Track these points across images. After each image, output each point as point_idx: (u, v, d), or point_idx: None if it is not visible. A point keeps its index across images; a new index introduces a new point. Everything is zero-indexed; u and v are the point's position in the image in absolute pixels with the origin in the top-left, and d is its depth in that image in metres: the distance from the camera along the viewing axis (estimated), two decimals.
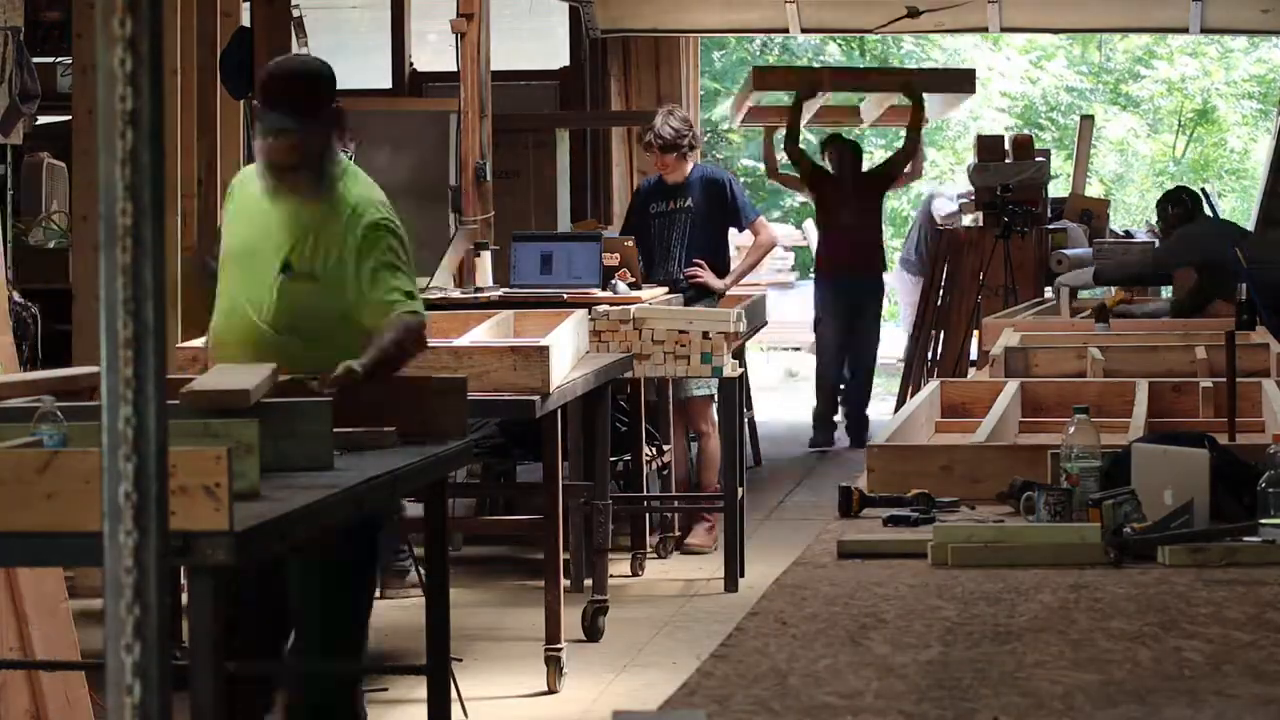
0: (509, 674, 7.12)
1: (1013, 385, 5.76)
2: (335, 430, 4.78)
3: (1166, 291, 13.15)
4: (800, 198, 25.63)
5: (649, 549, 9.38)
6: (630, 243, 9.46)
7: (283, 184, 5.05)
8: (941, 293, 13.52)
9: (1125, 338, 7.74)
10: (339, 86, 5.21)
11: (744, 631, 3.13)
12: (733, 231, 10.42)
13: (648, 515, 9.46)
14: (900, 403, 13.00)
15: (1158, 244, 11.43)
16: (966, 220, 14.64)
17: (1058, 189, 16.11)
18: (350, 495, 4.62)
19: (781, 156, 13.86)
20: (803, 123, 13.27)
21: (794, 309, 20.74)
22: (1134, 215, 23.89)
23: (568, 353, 7.21)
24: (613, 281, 9.03)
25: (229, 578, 3.84)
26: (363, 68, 13.27)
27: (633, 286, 9.10)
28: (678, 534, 9.70)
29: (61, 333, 8.91)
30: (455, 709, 6.04)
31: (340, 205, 5.07)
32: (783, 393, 18.00)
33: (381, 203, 5.15)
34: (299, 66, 5.23)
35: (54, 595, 6.22)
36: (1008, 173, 13.20)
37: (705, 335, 8.37)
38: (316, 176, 5.04)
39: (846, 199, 13.21)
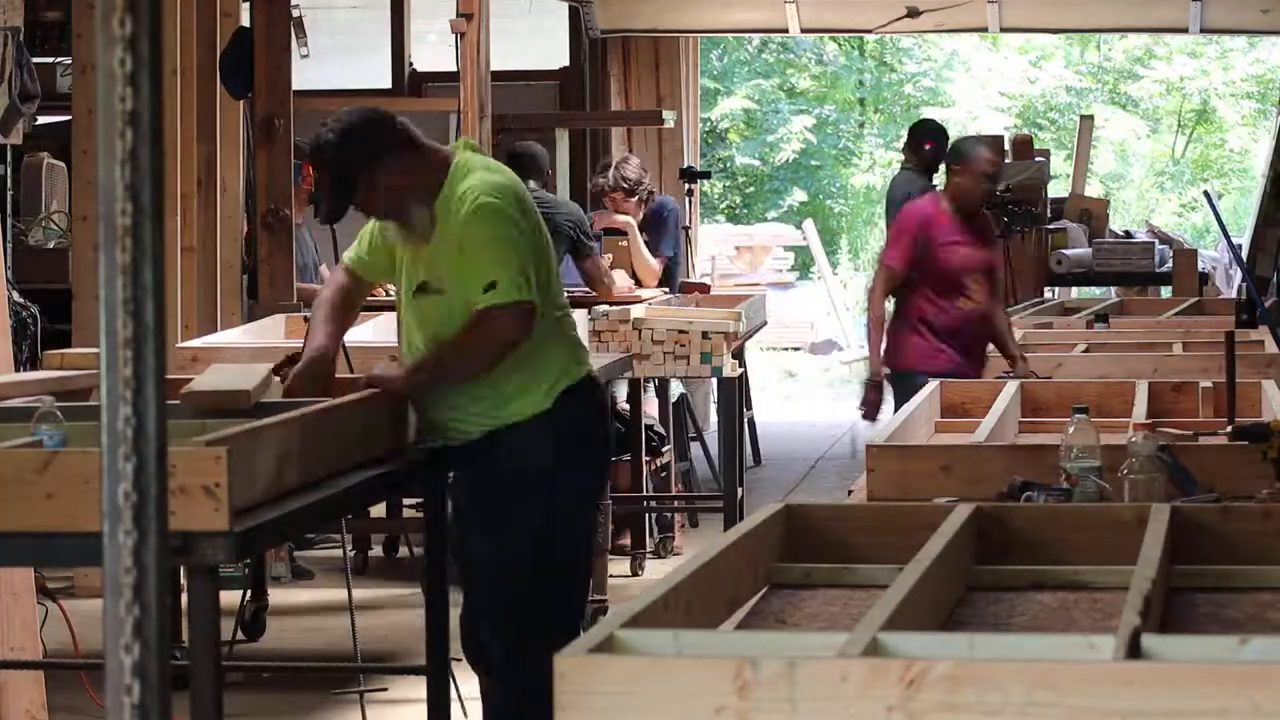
0: None
1: (1013, 385, 5.76)
2: (188, 391, 4.84)
3: (1166, 291, 13.17)
4: (800, 196, 25.66)
5: (649, 549, 9.38)
6: (624, 243, 9.50)
7: (406, 234, 5.19)
8: None
9: (1125, 337, 7.74)
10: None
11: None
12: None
13: (647, 515, 9.46)
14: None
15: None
16: None
17: (1057, 189, 16.11)
18: (350, 495, 4.63)
19: None
20: None
21: (794, 309, 20.75)
22: (1133, 215, 23.90)
23: None
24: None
25: None
26: (363, 68, 13.27)
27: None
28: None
29: (61, 333, 8.92)
30: (455, 709, 6.04)
31: (448, 209, 5.11)
32: (782, 392, 17.99)
33: (484, 188, 5.11)
34: (314, 149, 5.23)
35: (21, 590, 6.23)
36: (1007, 173, 13.18)
37: (705, 335, 8.38)
38: (405, 222, 5.16)
39: None
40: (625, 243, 9.42)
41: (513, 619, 5.19)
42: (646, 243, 9.81)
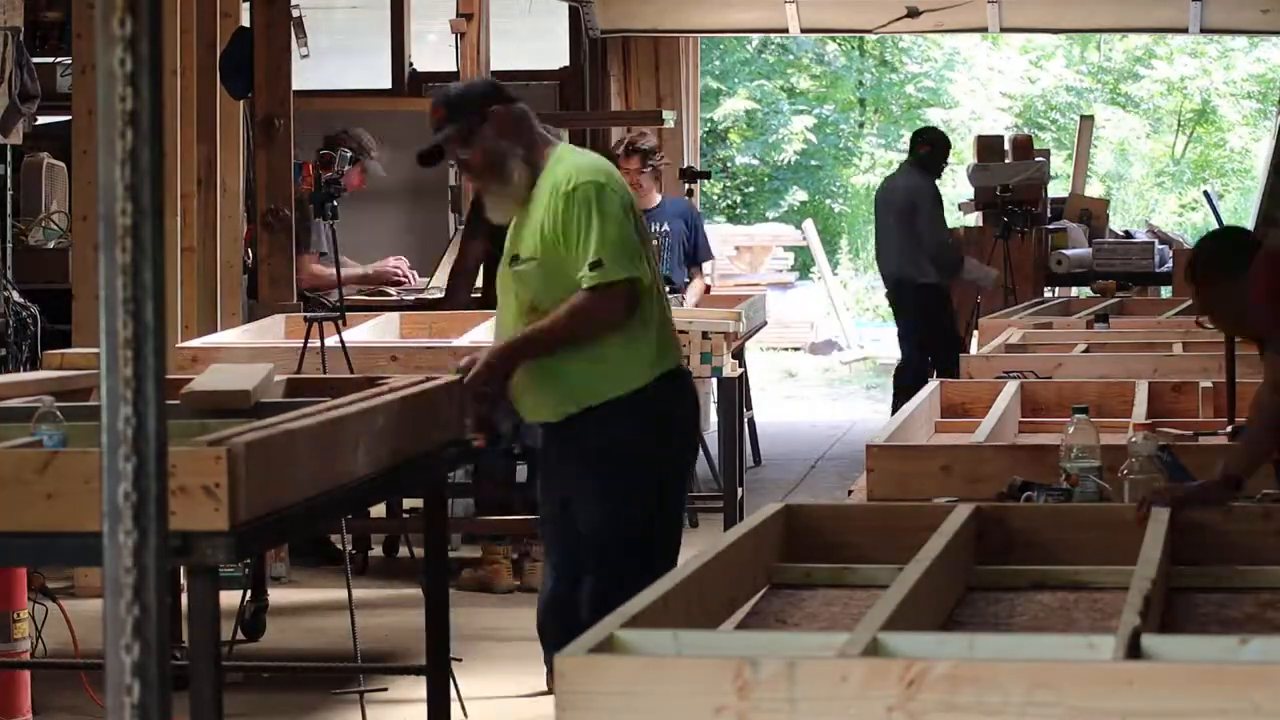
0: (509, 674, 7.11)
1: (1012, 385, 5.76)
2: (188, 391, 4.85)
3: (1166, 291, 13.16)
4: (800, 196, 25.66)
5: None
6: (656, 240, 9.51)
7: (487, 201, 5.55)
8: None
9: (1125, 337, 7.74)
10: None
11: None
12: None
13: None
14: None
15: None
16: (968, 220, 14.63)
17: (1057, 189, 16.11)
18: (349, 494, 4.63)
19: None
20: None
21: (794, 309, 20.75)
22: (1133, 215, 23.90)
23: None
24: None
25: None
26: (363, 68, 13.27)
27: None
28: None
29: (61, 333, 8.92)
30: (455, 709, 6.04)
31: (545, 188, 5.38)
32: (782, 392, 17.99)
33: (585, 170, 5.38)
34: (436, 98, 5.62)
35: None
36: (1007, 173, 13.20)
37: (705, 335, 8.38)
38: (501, 185, 5.41)
39: None
40: (656, 240, 9.49)
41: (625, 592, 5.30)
42: (697, 257, 9.91)
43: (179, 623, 6.14)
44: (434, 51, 13.42)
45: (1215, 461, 4.26)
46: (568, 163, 5.42)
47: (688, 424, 5.70)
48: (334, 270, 9.22)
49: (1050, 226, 13.50)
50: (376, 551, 9.64)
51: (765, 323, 10.79)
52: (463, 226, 9.34)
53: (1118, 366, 6.57)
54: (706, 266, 10.18)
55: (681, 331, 8.40)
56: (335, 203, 7.55)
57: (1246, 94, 25.98)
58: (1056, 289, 13.71)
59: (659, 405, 5.43)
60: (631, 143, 9.84)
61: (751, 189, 26.08)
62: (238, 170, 9.17)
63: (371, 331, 7.91)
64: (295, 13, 10.19)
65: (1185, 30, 14.24)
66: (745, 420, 10.94)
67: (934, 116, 26.26)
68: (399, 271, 9.59)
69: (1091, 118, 17.57)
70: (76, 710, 6.63)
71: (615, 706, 2.32)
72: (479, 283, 9.08)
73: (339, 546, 9.14)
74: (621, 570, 5.37)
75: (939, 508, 3.66)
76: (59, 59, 10.66)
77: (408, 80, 13.16)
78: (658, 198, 10.04)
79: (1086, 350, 7.16)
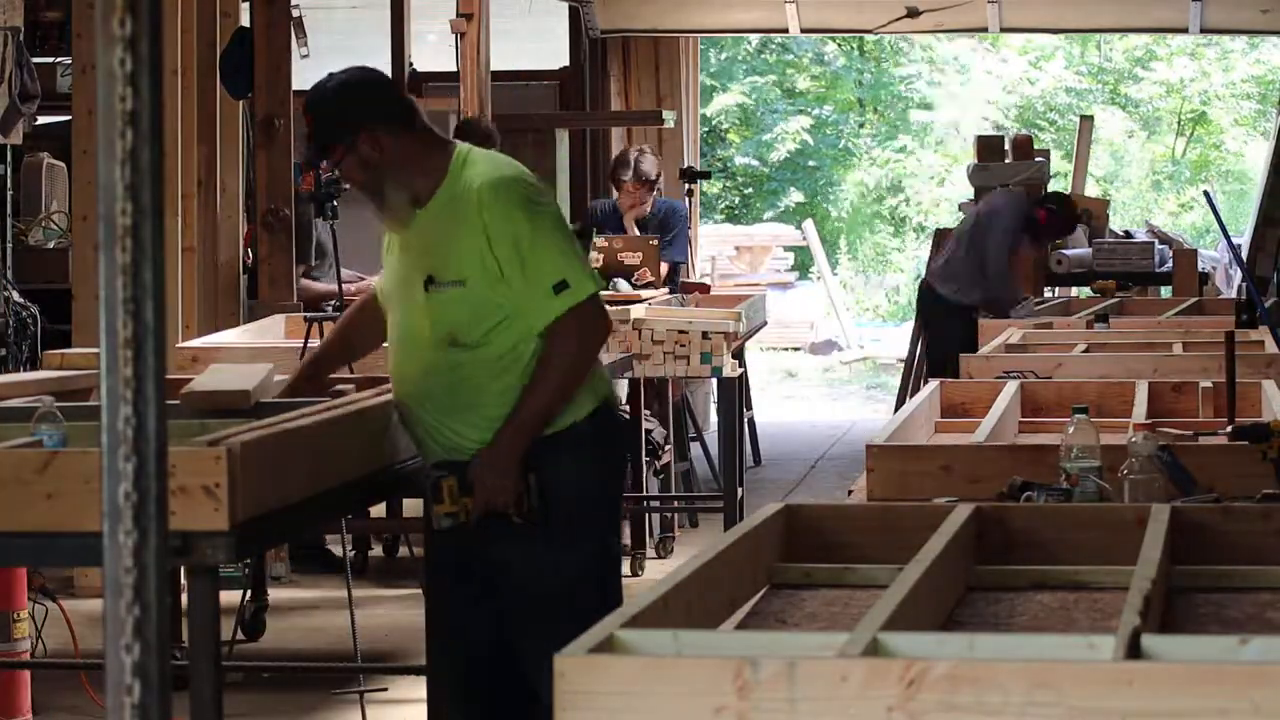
0: None
1: (1012, 385, 5.76)
2: (188, 391, 4.79)
3: (1166, 291, 13.15)
4: (798, 197, 25.65)
5: (649, 549, 9.38)
6: (654, 241, 9.50)
7: (379, 211, 4.77)
8: None
9: (1125, 337, 7.74)
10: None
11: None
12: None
13: (647, 516, 9.45)
14: (900, 403, 12.99)
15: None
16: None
17: (1057, 189, 16.08)
18: (349, 494, 4.63)
19: None
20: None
21: (794, 309, 20.75)
22: (1131, 216, 23.90)
23: None
24: (614, 279, 9.07)
25: None
26: None
27: (650, 286, 9.13)
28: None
29: (61, 333, 8.93)
30: None
31: (456, 196, 4.69)
32: (782, 392, 17.99)
33: (505, 174, 4.70)
34: (310, 97, 4.79)
35: None
36: (1007, 173, 13.17)
37: (705, 335, 8.37)
38: (385, 192, 4.71)
39: None
40: (654, 241, 9.48)
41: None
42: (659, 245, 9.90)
43: (179, 623, 6.14)
44: (434, 51, 13.43)
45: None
46: (479, 168, 4.69)
47: (625, 463, 5.19)
48: (319, 284, 9.24)
49: None
50: (376, 551, 9.64)
51: (765, 323, 10.80)
52: None
53: (1118, 366, 6.57)
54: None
55: (681, 331, 8.42)
56: (335, 203, 7.54)
57: (1245, 95, 26.00)
58: (1056, 289, 13.70)
59: (599, 441, 4.79)
60: (639, 170, 9.85)
61: (750, 189, 26.08)
62: (238, 170, 9.17)
63: None
64: (295, 13, 10.20)
65: (1185, 30, 14.24)
66: (745, 420, 10.95)
67: (932, 116, 26.26)
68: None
69: (1091, 118, 17.57)
70: (76, 710, 6.63)
71: (615, 706, 2.32)
72: None
73: (337, 554, 9.16)
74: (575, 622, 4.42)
75: (939, 508, 3.66)
76: (59, 59, 10.66)
77: (408, 80, 13.16)
78: (649, 207, 10.06)
79: (1086, 350, 7.16)
